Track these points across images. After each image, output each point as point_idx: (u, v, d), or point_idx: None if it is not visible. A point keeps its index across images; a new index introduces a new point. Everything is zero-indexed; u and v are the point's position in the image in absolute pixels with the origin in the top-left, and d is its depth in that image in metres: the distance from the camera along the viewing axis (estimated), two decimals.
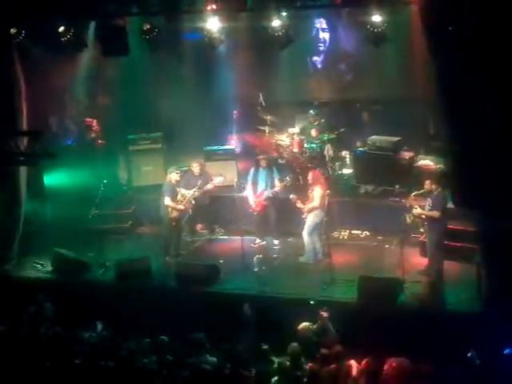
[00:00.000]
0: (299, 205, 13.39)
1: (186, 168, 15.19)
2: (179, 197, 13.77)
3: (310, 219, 13.33)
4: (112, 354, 9.60)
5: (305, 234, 13.39)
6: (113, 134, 16.42)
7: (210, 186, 14.21)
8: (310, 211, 13.32)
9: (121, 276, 13.29)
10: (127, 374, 9.13)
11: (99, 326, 11.27)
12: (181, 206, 13.75)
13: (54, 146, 15.74)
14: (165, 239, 14.00)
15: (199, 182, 14.05)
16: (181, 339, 10.61)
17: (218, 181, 14.40)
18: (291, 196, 13.55)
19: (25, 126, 14.23)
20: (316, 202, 13.26)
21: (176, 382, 9.00)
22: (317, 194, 13.30)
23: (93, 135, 16.16)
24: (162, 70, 16.59)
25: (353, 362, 9.82)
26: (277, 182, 14.09)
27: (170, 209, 13.71)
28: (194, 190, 13.91)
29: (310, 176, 13.58)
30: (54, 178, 15.40)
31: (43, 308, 12.15)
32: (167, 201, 13.68)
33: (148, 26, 14.06)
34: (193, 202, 13.95)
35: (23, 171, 14.42)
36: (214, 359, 9.84)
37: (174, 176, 13.81)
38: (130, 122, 16.40)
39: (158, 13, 14.20)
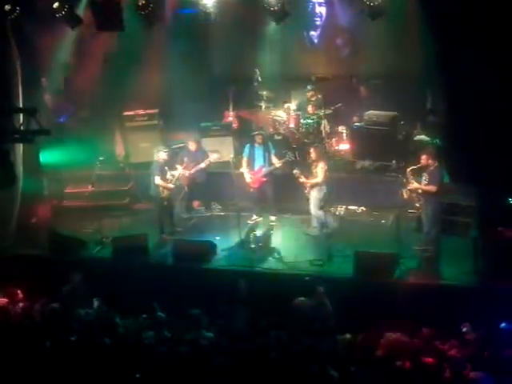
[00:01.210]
0: (302, 179, 13.34)
1: (182, 144, 15.17)
2: (168, 175, 13.70)
3: (314, 195, 13.32)
4: (109, 330, 9.62)
5: (314, 209, 13.34)
6: (108, 111, 16.36)
7: (203, 165, 14.15)
8: (313, 186, 13.30)
9: (118, 253, 13.27)
10: (124, 351, 9.15)
11: (96, 303, 11.26)
12: (171, 185, 13.69)
13: (50, 123, 15.75)
14: (159, 218, 13.96)
15: (186, 160, 14.02)
16: (178, 315, 10.64)
17: (213, 158, 14.37)
18: (294, 171, 13.51)
19: (20, 104, 14.16)
20: (319, 178, 13.24)
21: (174, 357, 9.02)
22: (320, 169, 13.29)
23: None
24: (158, 45, 16.48)
25: (347, 336, 9.88)
26: (275, 159, 14.06)
27: (160, 188, 13.66)
28: (181, 168, 13.87)
29: (312, 152, 13.54)
30: (50, 156, 15.33)
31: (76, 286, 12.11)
32: (157, 180, 13.60)
33: (143, 1, 13.95)
34: (179, 182, 13.90)
35: (19, 148, 14.37)
36: (211, 334, 9.87)
37: (161, 155, 13.71)
38: (126, 99, 16.32)
39: None
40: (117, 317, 10.44)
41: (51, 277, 12.54)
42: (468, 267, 11.77)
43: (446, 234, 12.41)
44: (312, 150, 13.57)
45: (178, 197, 14.23)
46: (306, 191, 13.40)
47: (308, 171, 13.50)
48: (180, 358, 9.11)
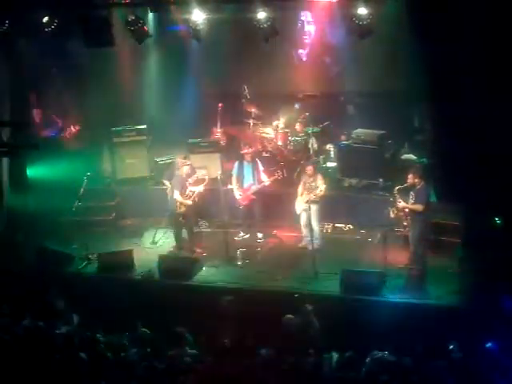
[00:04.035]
0: (314, 195, 13.28)
1: (170, 160, 15.18)
2: (188, 192, 13.51)
3: (314, 208, 13.35)
4: (88, 346, 9.54)
5: (314, 223, 13.37)
6: (97, 126, 16.34)
7: (201, 188, 13.77)
8: (316, 200, 13.33)
9: (104, 268, 13.21)
10: (104, 366, 9.10)
11: (75, 319, 11.18)
12: (189, 202, 13.50)
13: (38, 137, 15.75)
14: (175, 233, 13.87)
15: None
16: (163, 332, 10.58)
17: (200, 174, 14.29)
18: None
19: (8, 118, 14.13)
20: (324, 188, 13.36)
21: (155, 373, 8.98)
22: (321, 181, 13.41)
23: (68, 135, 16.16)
24: (147, 61, 16.53)
25: (334, 354, 9.84)
26: (265, 176, 14.05)
27: (178, 203, 13.52)
28: (201, 186, 13.67)
29: (311, 170, 13.56)
30: (37, 170, 15.27)
31: (55, 305, 11.92)
32: (176, 195, 13.44)
33: (133, 17, 13.97)
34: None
35: (5, 163, 14.32)
36: (195, 351, 9.83)
37: (185, 169, 13.60)
38: (114, 114, 16.32)
39: (142, 4, 14.16)
40: (99, 333, 10.35)
41: (36, 293, 12.43)
42: (454, 286, 11.80)
43: (432, 253, 12.46)
44: (310, 168, 13.59)
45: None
46: (305, 207, 13.35)
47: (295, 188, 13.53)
48: (160, 373, 9.08)
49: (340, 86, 16.85)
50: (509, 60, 11.56)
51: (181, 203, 13.49)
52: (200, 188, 13.64)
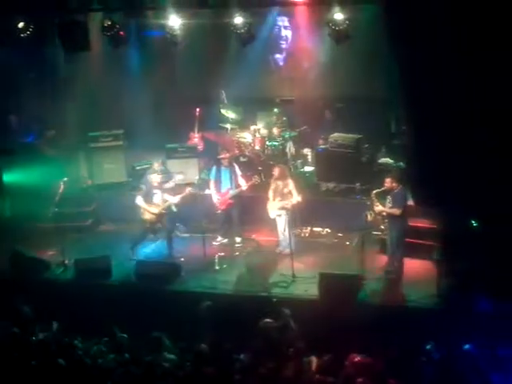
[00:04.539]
0: (287, 203, 13.24)
1: (147, 166, 15.14)
2: (157, 200, 13.46)
3: (289, 214, 13.32)
4: (66, 353, 9.48)
5: (287, 230, 13.32)
6: (73, 131, 16.26)
7: (176, 200, 13.62)
8: (293, 207, 13.27)
9: (81, 274, 13.13)
10: (81, 372, 9.05)
11: (54, 326, 11.10)
12: (154, 209, 13.42)
13: (14, 143, 15.65)
14: (136, 236, 13.77)
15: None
16: (140, 338, 10.54)
17: (178, 179, 14.26)
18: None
19: None
20: (298, 196, 13.23)
21: (131, 379, 8.95)
22: (293, 188, 13.32)
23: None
24: (124, 66, 16.49)
25: (313, 358, 9.84)
26: (242, 181, 14.05)
27: (142, 209, 13.47)
28: (177, 197, 13.52)
29: (276, 171, 13.51)
30: (13, 175, 15.17)
31: (22, 311, 11.80)
32: (139, 200, 13.43)
33: (109, 23, 13.95)
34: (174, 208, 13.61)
35: None
36: (173, 357, 9.79)
37: (155, 178, 13.55)
38: (90, 119, 16.25)
39: (119, 9, 14.14)
40: (77, 339, 10.30)
41: (12, 299, 12.33)
42: (431, 289, 11.84)
43: (409, 257, 12.51)
44: (276, 169, 13.49)
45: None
46: (280, 212, 13.34)
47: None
48: (137, 379, 9.04)
49: (317, 91, 16.89)
50: (488, 62, 11.65)
51: (144, 209, 13.43)
52: (175, 199, 13.54)
